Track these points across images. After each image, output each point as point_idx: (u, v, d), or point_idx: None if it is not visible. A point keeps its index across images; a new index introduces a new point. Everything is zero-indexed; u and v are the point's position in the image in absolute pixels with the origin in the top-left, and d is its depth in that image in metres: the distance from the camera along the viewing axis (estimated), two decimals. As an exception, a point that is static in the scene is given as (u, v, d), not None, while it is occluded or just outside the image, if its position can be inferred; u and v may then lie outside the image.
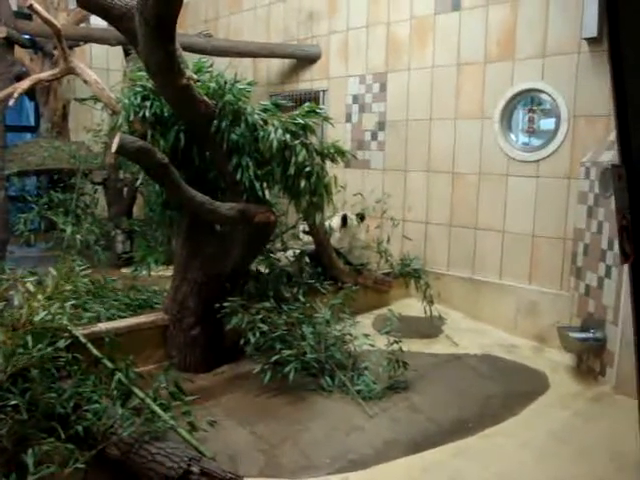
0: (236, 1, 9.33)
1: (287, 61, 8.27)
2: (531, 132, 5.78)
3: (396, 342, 4.51)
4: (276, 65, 8.45)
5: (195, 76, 4.09)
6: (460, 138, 6.26)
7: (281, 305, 4.57)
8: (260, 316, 4.35)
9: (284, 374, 4.20)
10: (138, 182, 4.69)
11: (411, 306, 6.32)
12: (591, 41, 5.11)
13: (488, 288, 6.04)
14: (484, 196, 6.08)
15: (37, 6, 4.44)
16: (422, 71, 6.59)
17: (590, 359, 4.80)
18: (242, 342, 4.36)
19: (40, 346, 3.18)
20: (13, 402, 2.93)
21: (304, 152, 4.29)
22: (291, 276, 5.19)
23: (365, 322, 5.74)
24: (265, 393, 4.33)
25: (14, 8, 7.45)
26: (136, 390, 3.53)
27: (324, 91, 7.79)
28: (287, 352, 4.24)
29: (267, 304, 4.47)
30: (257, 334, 4.28)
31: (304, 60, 8.01)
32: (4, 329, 3.11)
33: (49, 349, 3.23)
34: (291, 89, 8.25)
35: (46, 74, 5.05)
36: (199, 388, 4.25)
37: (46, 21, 4.50)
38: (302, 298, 4.77)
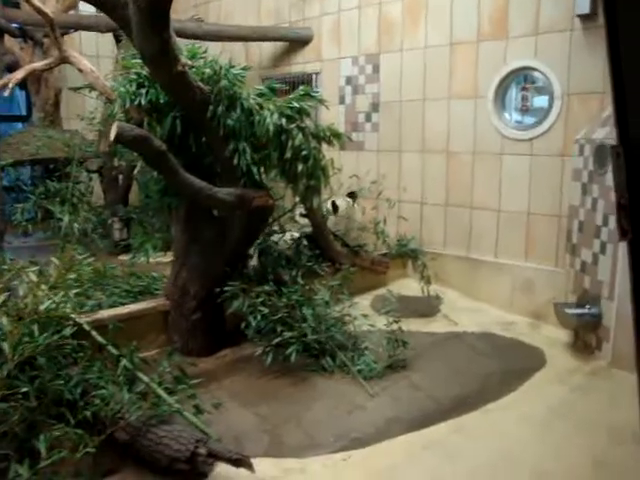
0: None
1: (279, 44, 8.24)
2: (524, 110, 5.81)
3: (395, 322, 4.58)
4: (268, 48, 8.42)
5: (190, 62, 4.10)
6: (454, 118, 6.28)
7: (281, 288, 4.61)
8: (260, 299, 4.39)
9: (285, 356, 4.25)
10: (136, 170, 4.70)
11: (408, 286, 6.38)
12: (584, 18, 5.12)
13: (484, 267, 6.11)
14: (479, 175, 6.12)
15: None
16: (415, 51, 6.59)
17: (586, 335, 4.87)
18: (243, 325, 4.41)
19: (46, 334, 3.22)
20: (23, 390, 2.97)
21: (300, 136, 4.31)
22: (290, 259, 5.23)
23: (363, 303, 5.80)
24: (267, 375, 4.39)
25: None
26: (141, 375, 3.58)
27: (317, 73, 7.78)
28: (288, 334, 4.29)
29: (267, 287, 4.51)
30: (258, 317, 4.32)
31: (296, 43, 7.99)
32: (10, 319, 3.14)
33: (55, 337, 3.27)
34: (284, 72, 8.23)
35: (41, 63, 5.04)
36: (202, 372, 4.30)
37: (38, 10, 4.48)
38: (301, 280, 4.81)
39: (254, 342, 4.48)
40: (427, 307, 5.89)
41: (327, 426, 3.77)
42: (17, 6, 7.88)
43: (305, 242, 5.76)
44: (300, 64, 8.04)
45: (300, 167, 4.37)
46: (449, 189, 6.41)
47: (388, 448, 3.58)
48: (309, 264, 5.32)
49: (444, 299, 6.13)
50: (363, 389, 4.21)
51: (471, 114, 6.10)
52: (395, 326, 4.58)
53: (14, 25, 7.34)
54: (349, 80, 7.40)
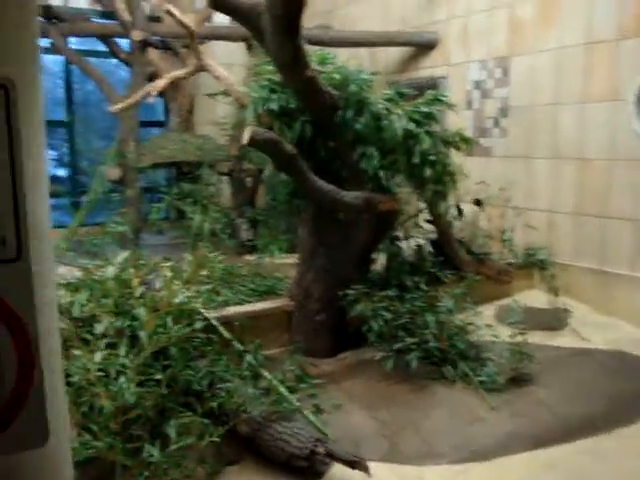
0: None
1: (405, 49, 8.21)
2: (671, 114, 5.39)
3: (520, 334, 4.42)
4: (394, 53, 8.42)
5: (319, 68, 4.19)
6: (589, 122, 5.96)
7: (403, 293, 4.59)
8: (383, 304, 4.40)
9: (406, 362, 4.22)
10: (265, 172, 4.86)
11: (534, 297, 6.12)
12: None
13: (619, 280, 5.73)
14: (615, 183, 5.76)
15: (174, 11, 4.72)
16: (547, 53, 6.33)
17: None
18: (365, 329, 4.42)
19: (178, 327, 3.41)
20: (156, 377, 3.16)
21: (428, 140, 4.28)
22: (414, 265, 5.18)
23: (487, 312, 5.62)
24: (387, 380, 4.36)
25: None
26: (264, 372, 3.70)
27: (444, 78, 7.67)
28: (409, 340, 4.26)
29: (390, 292, 4.51)
30: (380, 321, 4.32)
31: (423, 47, 7.93)
32: (147, 310, 3.35)
33: (186, 330, 3.45)
34: (410, 77, 8.18)
35: (181, 72, 5.35)
36: (323, 372, 4.37)
37: (181, 23, 4.76)
38: (424, 287, 4.76)
39: (375, 346, 4.47)
40: (554, 320, 5.62)
41: (446, 436, 3.71)
42: (158, 20, 8.44)
43: (430, 248, 5.69)
44: (427, 68, 7.97)
45: (427, 172, 4.34)
46: (582, 197, 6.09)
47: (508, 464, 3.46)
48: (433, 270, 5.25)
49: (573, 313, 5.81)
50: (484, 401, 4.09)
51: (609, 118, 5.76)
52: (520, 338, 4.42)
53: (156, 38, 7.83)
54: (477, 84, 7.24)
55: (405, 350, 4.25)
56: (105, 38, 8.28)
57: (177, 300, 3.47)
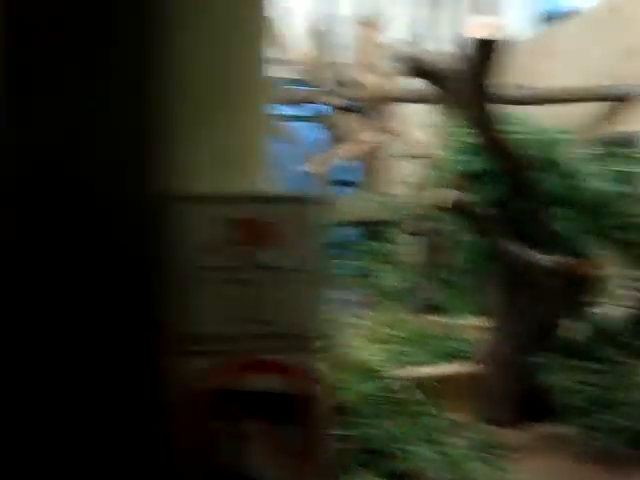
0: (548, 47, 9.15)
1: (601, 103, 7.81)
2: None
3: None
4: (590, 108, 8.02)
5: (510, 127, 4.14)
6: None
7: (600, 365, 4.25)
8: (576, 375, 4.10)
9: (604, 442, 3.86)
10: (453, 233, 4.84)
11: None
12: None
13: None
14: None
15: (367, 76, 4.96)
16: None
17: None
18: (555, 401, 4.14)
19: (361, 384, 3.46)
20: (339, 433, 3.21)
21: (630, 201, 4.01)
22: (611, 334, 4.79)
23: None
24: (580, 460, 3.97)
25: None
26: (447, 437, 3.60)
27: (644, 133, 7.14)
28: (607, 418, 3.91)
29: (585, 362, 4.20)
30: (573, 394, 4.03)
31: (621, 101, 7.49)
32: (332, 366, 3.44)
33: (368, 387, 3.48)
34: (608, 132, 7.71)
35: (373, 136, 5.57)
36: (506, 443, 4.13)
37: (373, 88, 4.98)
38: (625, 359, 4.36)
39: (566, 421, 4.16)
40: None
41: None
42: (352, 86, 8.89)
43: (632, 317, 5.22)
44: (627, 123, 7.48)
45: (629, 235, 4.05)
46: None
47: None
48: (635, 341, 4.80)
49: None
50: None
51: None
52: None
53: (350, 102, 8.24)
54: (687, 138, 6.63)
55: (602, 429, 3.90)
56: (303, 104, 8.90)
57: (361, 358, 3.53)
